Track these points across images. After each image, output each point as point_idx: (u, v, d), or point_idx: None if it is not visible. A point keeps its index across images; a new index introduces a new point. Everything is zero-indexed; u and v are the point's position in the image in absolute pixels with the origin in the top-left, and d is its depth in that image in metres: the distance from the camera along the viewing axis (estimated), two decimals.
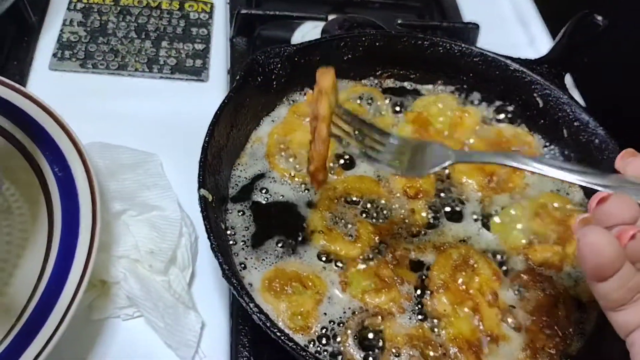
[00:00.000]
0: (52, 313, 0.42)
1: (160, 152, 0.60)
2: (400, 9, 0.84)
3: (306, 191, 0.54)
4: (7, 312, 0.44)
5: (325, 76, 0.45)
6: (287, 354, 0.42)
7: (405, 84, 0.63)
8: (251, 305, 0.40)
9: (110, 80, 0.67)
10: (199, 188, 0.46)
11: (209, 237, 0.44)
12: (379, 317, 0.47)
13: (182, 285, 0.51)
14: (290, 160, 0.55)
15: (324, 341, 0.46)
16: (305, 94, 0.60)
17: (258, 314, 0.40)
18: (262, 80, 0.56)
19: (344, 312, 0.47)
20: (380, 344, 0.46)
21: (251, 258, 0.49)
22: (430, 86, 0.63)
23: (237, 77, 0.54)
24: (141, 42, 0.70)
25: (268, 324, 0.40)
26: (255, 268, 0.49)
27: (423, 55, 0.61)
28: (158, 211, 0.54)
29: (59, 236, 0.47)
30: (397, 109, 0.61)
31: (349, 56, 0.60)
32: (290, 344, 0.39)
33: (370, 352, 0.46)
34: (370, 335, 0.46)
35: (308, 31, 0.78)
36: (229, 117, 0.52)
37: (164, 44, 0.70)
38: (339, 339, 0.46)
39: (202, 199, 0.46)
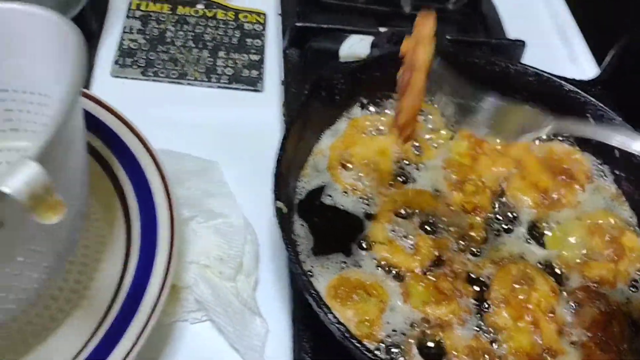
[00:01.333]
0: (135, 316, 0.44)
1: (219, 160, 0.62)
2: (444, 23, 0.85)
3: (367, 205, 0.56)
4: (89, 316, 0.46)
5: (425, 22, 0.43)
6: None
7: (461, 101, 0.64)
8: (330, 316, 0.42)
9: (170, 89, 0.69)
10: (275, 200, 0.48)
11: (287, 249, 0.45)
12: (440, 329, 0.49)
13: (248, 291, 0.53)
14: (352, 173, 0.57)
15: (389, 350, 0.47)
16: (364, 108, 0.62)
17: (337, 325, 0.42)
18: (326, 95, 0.58)
19: (405, 322, 0.49)
20: (441, 354, 0.48)
21: (316, 266, 0.51)
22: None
23: (305, 91, 0.56)
24: (199, 51, 0.72)
25: (347, 335, 0.41)
26: (321, 275, 0.51)
27: (478, 73, 0.62)
28: (223, 218, 0.56)
29: (138, 241, 0.48)
30: (452, 124, 0.63)
31: None
32: (369, 354, 0.41)
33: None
34: (431, 345, 0.48)
35: (355, 43, 0.80)
36: (298, 131, 0.54)
37: (221, 53, 0.72)
38: (402, 348, 0.47)
39: (278, 211, 0.48)
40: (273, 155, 0.65)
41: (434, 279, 0.51)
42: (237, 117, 0.68)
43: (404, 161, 0.59)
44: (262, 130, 0.67)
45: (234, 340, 0.50)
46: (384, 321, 0.49)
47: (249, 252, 0.55)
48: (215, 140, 0.65)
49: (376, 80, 0.61)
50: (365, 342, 0.47)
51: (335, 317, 0.42)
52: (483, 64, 0.62)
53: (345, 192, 0.56)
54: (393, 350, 0.47)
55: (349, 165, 0.58)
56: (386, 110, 0.62)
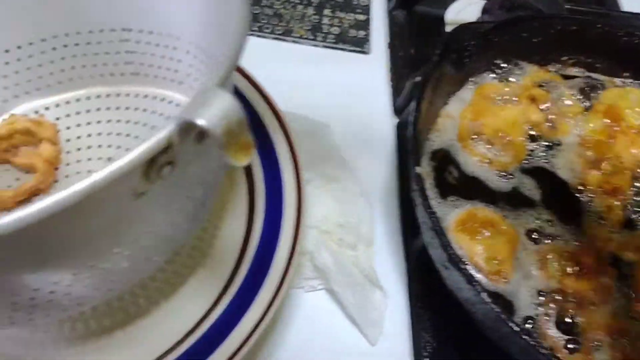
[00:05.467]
0: (266, 280, 0.41)
1: (328, 122, 0.59)
2: None
3: (504, 180, 0.51)
4: (214, 276, 0.43)
5: None
6: (469, 339, 0.42)
7: (591, 74, 0.59)
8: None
9: (275, 45, 0.66)
10: (414, 165, 0.44)
11: (430, 217, 0.42)
12: (577, 304, 0.45)
13: (369, 262, 0.50)
14: (486, 145, 0.53)
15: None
16: (490, 74, 0.57)
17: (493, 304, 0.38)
18: (456, 57, 0.53)
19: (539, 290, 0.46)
20: (578, 331, 0.44)
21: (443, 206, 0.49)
22: (616, 79, 0.59)
23: (436, 52, 0.52)
24: (304, 7, 0.68)
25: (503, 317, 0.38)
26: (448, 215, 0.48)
27: (616, 45, 0.58)
28: (338, 183, 0.53)
29: (263, 201, 0.46)
30: (582, 98, 0.58)
31: (540, 39, 0.57)
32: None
33: (569, 337, 0.44)
34: (568, 320, 0.45)
35: (462, 8, 0.75)
36: (429, 94, 0.50)
37: (326, 11, 0.68)
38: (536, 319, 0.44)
39: (418, 178, 0.44)
40: (381, 120, 0.62)
41: (575, 250, 0.47)
42: (344, 79, 0.64)
43: (537, 134, 0.54)
44: (368, 94, 0.64)
45: (354, 312, 0.47)
46: (514, 263, 0.46)
47: (366, 220, 0.52)
48: (321, 102, 0.62)
49: (506, 44, 0.56)
50: (493, 279, 0.45)
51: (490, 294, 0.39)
52: (622, 34, 0.57)
53: (482, 163, 0.52)
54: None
55: (483, 137, 0.53)
56: (512, 78, 0.58)
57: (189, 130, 0.25)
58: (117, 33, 0.46)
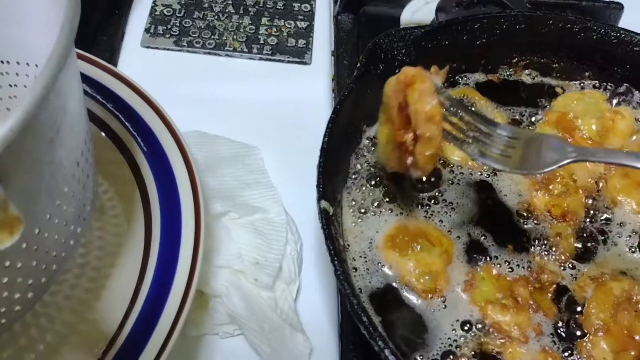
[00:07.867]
0: (154, 333, 0.37)
1: (259, 143, 0.54)
2: None
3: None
4: (100, 330, 0.39)
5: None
6: None
7: (545, 79, 0.53)
8: (386, 352, 0.33)
9: (205, 60, 0.61)
10: (319, 199, 0.40)
11: (332, 262, 0.37)
12: (502, 340, 0.40)
13: (289, 302, 0.45)
14: None
15: None
16: None
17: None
18: (384, 68, 0.48)
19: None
20: None
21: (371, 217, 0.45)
22: (574, 82, 0.53)
23: (358, 65, 0.47)
24: (239, 17, 0.63)
25: None
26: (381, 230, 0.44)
27: (571, 42, 0.51)
28: (261, 214, 0.48)
29: (158, 242, 0.41)
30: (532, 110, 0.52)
31: (483, 40, 0.51)
32: None
33: None
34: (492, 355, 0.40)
35: (419, 8, 0.70)
36: (347, 113, 0.45)
37: (264, 20, 0.63)
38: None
39: (323, 213, 0.39)
40: (319, 138, 0.57)
41: (511, 280, 0.42)
42: (281, 94, 0.59)
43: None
44: (309, 109, 0.59)
45: None
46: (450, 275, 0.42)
47: (290, 254, 0.47)
48: (255, 121, 0.57)
49: (445, 49, 0.51)
50: (430, 296, 0.41)
51: (392, 352, 0.34)
52: (578, 30, 0.51)
53: None
54: None
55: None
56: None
57: None
58: None
